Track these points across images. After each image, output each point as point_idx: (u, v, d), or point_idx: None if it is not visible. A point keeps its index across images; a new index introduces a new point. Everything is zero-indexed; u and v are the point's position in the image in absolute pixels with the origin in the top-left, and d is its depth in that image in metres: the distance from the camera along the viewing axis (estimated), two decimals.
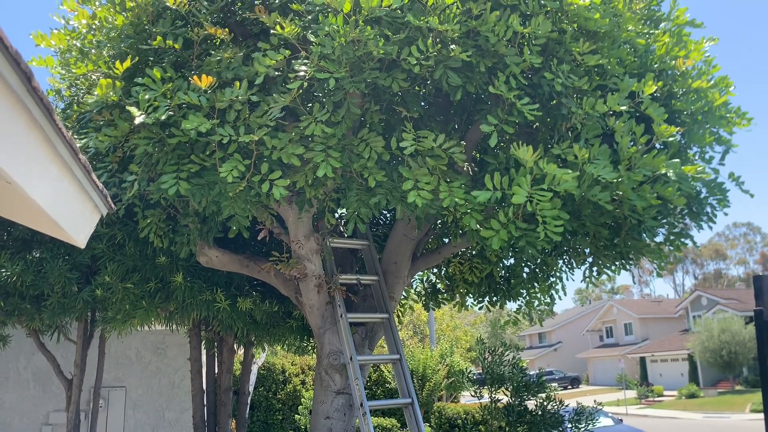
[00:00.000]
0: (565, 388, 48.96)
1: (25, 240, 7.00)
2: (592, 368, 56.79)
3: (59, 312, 6.85)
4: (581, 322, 62.40)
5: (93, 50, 5.30)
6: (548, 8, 4.62)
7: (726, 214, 5.84)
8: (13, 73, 2.39)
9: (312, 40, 4.34)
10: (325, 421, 5.97)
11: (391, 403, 6.93)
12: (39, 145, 2.82)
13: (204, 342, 8.63)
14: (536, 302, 7.29)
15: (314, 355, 10.02)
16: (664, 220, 5.84)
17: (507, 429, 7.04)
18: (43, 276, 6.65)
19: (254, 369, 13.25)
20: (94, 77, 5.29)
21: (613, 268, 6.37)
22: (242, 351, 9.67)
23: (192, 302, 6.91)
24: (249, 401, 11.62)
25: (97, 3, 5.61)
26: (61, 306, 6.82)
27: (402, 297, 7.84)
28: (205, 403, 8.48)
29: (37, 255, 6.96)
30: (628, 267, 6.43)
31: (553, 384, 45.65)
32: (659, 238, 5.97)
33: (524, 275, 7.08)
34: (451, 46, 4.53)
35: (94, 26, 5.52)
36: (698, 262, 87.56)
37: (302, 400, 19.77)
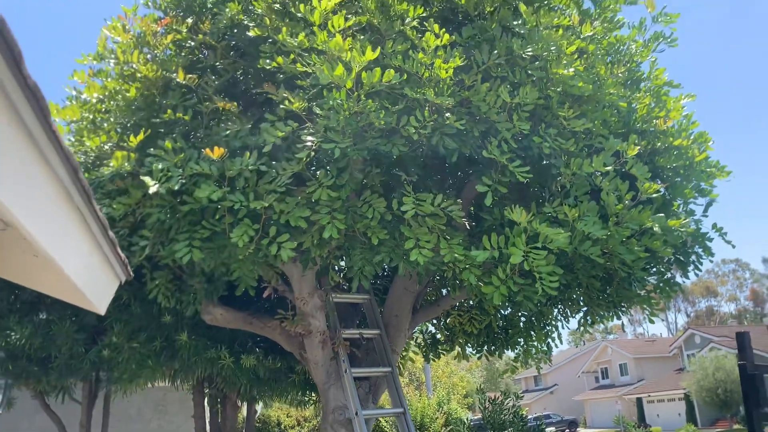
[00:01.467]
0: (563, 431, 48.36)
1: (33, 303, 7.14)
2: (589, 410, 56.25)
3: (66, 373, 6.96)
4: (576, 363, 62.01)
5: (105, 123, 5.57)
6: (535, 77, 4.97)
7: (711, 261, 6.13)
8: (60, 165, 2.64)
9: (318, 112, 4.64)
10: None
11: None
12: (76, 225, 3.05)
13: (207, 399, 8.70)
14: (533, 350, 7.48)
15: (313, 408, 10.07)
16: (653, 270, 6.12)
17: None
18: (50, 338, 6.78)
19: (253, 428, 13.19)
20: (106, 147, 5.54)
21: (606, 315, 6.60)
22: (245, 406, 9.71)
23: (197, 360, 7.04)
24: None
25: (109, 77, 5.92)
26: (67, 367, 6.93)
27: (402, 349, 8.00)
28: None
29: (44, 317, 7.09)
30: (620, 315, 6.67)
31: (551, 428, 44.94)
32: (649, 287, 6.24)
33: (521, 325, 7.29)
34: (447, 115, 4.85)
35: (105, 98, 5.81)
36: (690, 300, 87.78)
37: None
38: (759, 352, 38.35)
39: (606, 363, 56.90)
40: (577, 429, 51.72)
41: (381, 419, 19.89)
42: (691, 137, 6.14)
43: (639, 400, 47.81)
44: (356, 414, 5.81)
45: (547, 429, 16.33)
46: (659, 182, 5.75)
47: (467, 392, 27.99)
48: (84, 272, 3.39)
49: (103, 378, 7.70)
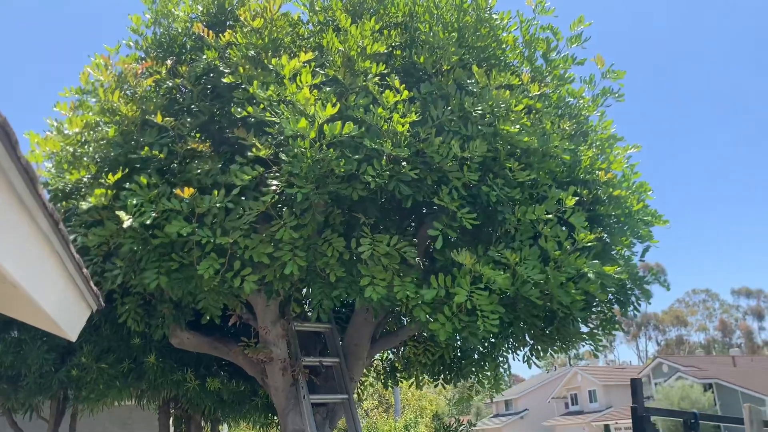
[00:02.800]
0: None
1: (5, 322, 7.37)
2: None
3: (35, 392, 7.18)
4: (547, 388, 62.46)
5: (85, 156, 5.89)
6: (484, 132, 5.43)
7: (649, 303, 6.62)
8: (41, 214, 3.00)
9: (283, 158, 5.05)
10: None
11: None
12: (54, 266, 3.40)
13: (172, 419, 8.94)
14: (486, 381, 7.89)
15: (274, 430, 10.34)
16: (595, 309, 6.58)
17: None
18: (21, 357, 7.01)
19: None
20: (84, 180, 5.87)
21: (553, 349, 7.04)
22: (209, 427, 9.94)
23: (163, 381, 7.33)
24: None
25: (89, 111, 6.26)
26: (37, 386, 7.16)
27: (363, 375, 8.35)
28: None
29: (16, 335, 7.33)
30: (567, 350, 7.11)
31: None
32: (592, 324, 6.70)
33: (474, 356, 7.70)
34: (403, 164, 5.28)
35: (84, 131, 6.14)
36: (660, 328, 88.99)
37: None
38: (725, 383, 39.25)
39: (576, 389, 57.47)
40: None
41: None
42: (633, 186, 6.65)
43: (606, 427, 48.36)
44: None
45: None
46: (600, 228, 6.23)
47: (436, 415, 28.19)
48: (59, 305, 3.73)
49: (70, 396, 7.92)
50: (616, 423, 47.03)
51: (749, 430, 4.29)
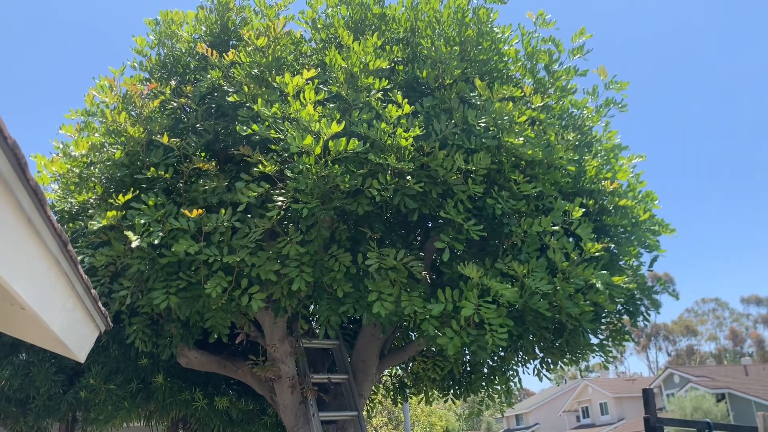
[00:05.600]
0: None
1: (13, 344, 7.38)
2: None
3: (44, 414, 7.17)
4: (557, 402, 61.95)
5: (91, 177, 5.93)
6: (488, 145, 5.44)
7: (659, 313, 6.58)
8: (48, 233, 3.02)
9: (288, 175, 5.06)
10: None
11: None
12: (63, 286, 3.41)
13: None
14: (496, 396, 7.83)
15: None
16: (604, 321, 6.54)
17: None
18: (30, 379, 7.01)
19: None
20: (91, 201, 5.91)
21: (563, 362, 6.99)
22: None
23: (172, 402, 7.30)
24: None
25: (95, 132, 6.30)
26: (45, 408, 7.15)
27: (372, 392, 8.30)
28: None
29: (24, 358, 7.33)
30: (577, 362, 7.05)
31: None
32: (602, 336, 6.65)
33: (484, 370, 7.65)
34: (407, 177, 5.29)
35: (90, 153, 6.18)
36: (670, 339, 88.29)
37: None
38: (737, 393, 38.85)
39: (587, 402, 56.96)
40: None
41: None
42: (639, 196, 6.64)
43: None
44: None
45: None
46: (607, 239, 6.21)
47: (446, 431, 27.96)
48: (67, 326, 3.74)
49: (79, 418, 7.91)
50: None
51: None
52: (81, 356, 4.31)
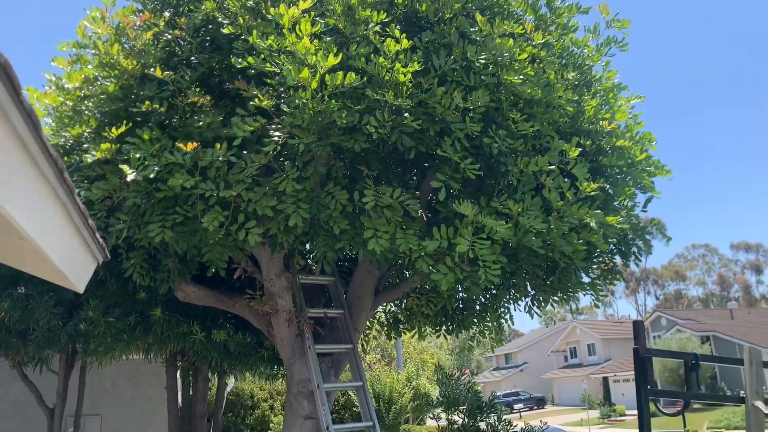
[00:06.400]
0: (531, 408, 49.70)
1: (12, 277, 7.44)
2: (557, 388, 57.79)
3: (44, 345, 7.31)
4: (546, 342, 63.48)
5: (85, 110, 5.86)
6: (487, 82, 5.37)
7: (650, 253, 6.67)
8: (44, 161, 3.01)
9: (285, 110, 5.01)
10: None
11: (354, 426, 7.53)
12: (60, 216, 3.42)
13: (179, 371, 9.11)
14: (488, 331, 8.01)
15: (283, 381, 10.55)
16: (596, 260, 6.63)
17: None
18: (29, 311, 7.11)
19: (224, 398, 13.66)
20: (85, 134, 5.85)
21: (554, 300, 7.12)
22: (216, 379, 10.14)
23: (170, 334, 7.44)
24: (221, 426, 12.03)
25: (88, 65, 6.19)
26: (45, 339, 7.28)
27: (366, 328, 8.48)
28: (180, 429, 8.93)
29: (23, 291, 7.42)
30: (568, 300, 7.19)
31: (520, 405, 46.06)
32: (593, 275, 6.76)
33: (476, 307, 7.80)
34: (405, 115, 5.25)
35: (84, 86, 6.09)
36: (659, 283, 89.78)
37: (271, 425, 20.03)
38: (722, 335, 39.83)
39: (575, 343, 58.34)
40: (545, 406, 53.15)
41: (351, 394, 20.49)
42: (637, 137, 6.62)
43: (605, 380, 49.28)
44: (318, 386, 6.27)
45: (515, 405, 17.08)
46: (602, 180, 6.23)
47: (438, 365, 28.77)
48: (65, 256, 3.77)
49: (79, 350, 8.06)
50: (615, 375, 47.91)
51: (748, 372, 4.37)
52: (80, 286, 4.35)
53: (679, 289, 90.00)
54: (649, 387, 4.58)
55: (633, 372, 4.69)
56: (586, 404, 39.28)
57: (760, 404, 4.04)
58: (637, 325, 4.66)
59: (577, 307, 7.90)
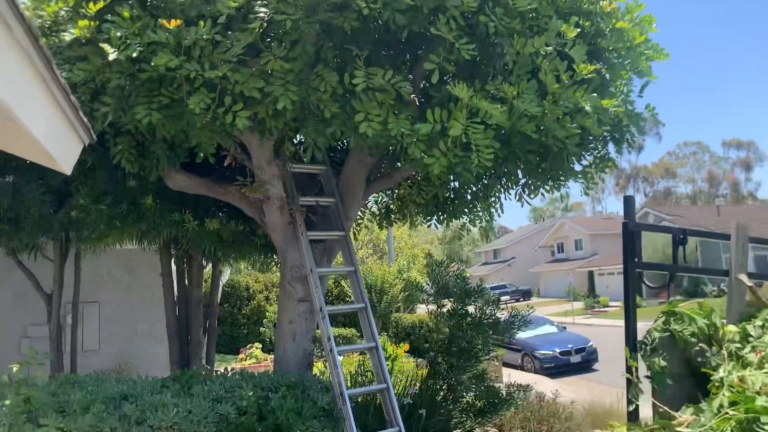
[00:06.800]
0: (518, 300, 51.53)
1: None
2: (543, 282, 59.67)
3: (36, 232, 7.33)
4: (534, 238, 64.78)
5: None
6: None
7: (643, 139, 6.62)
8: (21, 31, 2.85)
9: None
10: (288, 325, 6.77)
11: (347, 308, 7.77)
12: (40, 90, 3.30)
13: (174, 259, 9.24)
14: (478, 220, 8.09)
15: (277, 273, 10.75)
16: (589, 146, 6.58)
17: (452, 331, 7.94)
18: (19, 199, 7.08)
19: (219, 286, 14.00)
20: (63, 13, 5.57)
21: (545, 188, 7.13)
22: (210, 267, 10.33)
23: (162, 223, 7.47)
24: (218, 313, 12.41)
25: None
26: (37, 227, 7.30)
27: (358, 217, 8.54)
28: (177, 314, 9.20)
29: (11, 179, 7.35)
30: (559, 188, 7.21)
31: (506, 297, 47.55)
32: (585, 162, 6.74)
33: (467, 196, 7.83)
34: None
35: None
36: (649, 180, 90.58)
37: (266, 314, 20.70)
38: (707, 231, 40.64)
39: (563, 239, 59.62)
40: (531, 298, 55.13)
41: (344, 285, 21.05)
42: (637, 19, 6.38)
43: (590, 273, 50.82)
44: (311, 271, 6.39)
45: (502, 297, 17.66)
46: (601, 63, 6.06)
47: (429, 254, 29.47)
48: (50, 134, 3.67)
49: (72, 238, 8.12)
50: (600, 269, 49.38)
51: (735, 245, 4.46)
52: (67, 168, 4.29)
53: (669, 186, 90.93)
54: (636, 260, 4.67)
55: (618, 266, 4.79)
56: (570, 296, 40.70)
57: (743, 277, 4.15)
58: (628, 200, 4.69)
59: (567, 204, 7.93)
